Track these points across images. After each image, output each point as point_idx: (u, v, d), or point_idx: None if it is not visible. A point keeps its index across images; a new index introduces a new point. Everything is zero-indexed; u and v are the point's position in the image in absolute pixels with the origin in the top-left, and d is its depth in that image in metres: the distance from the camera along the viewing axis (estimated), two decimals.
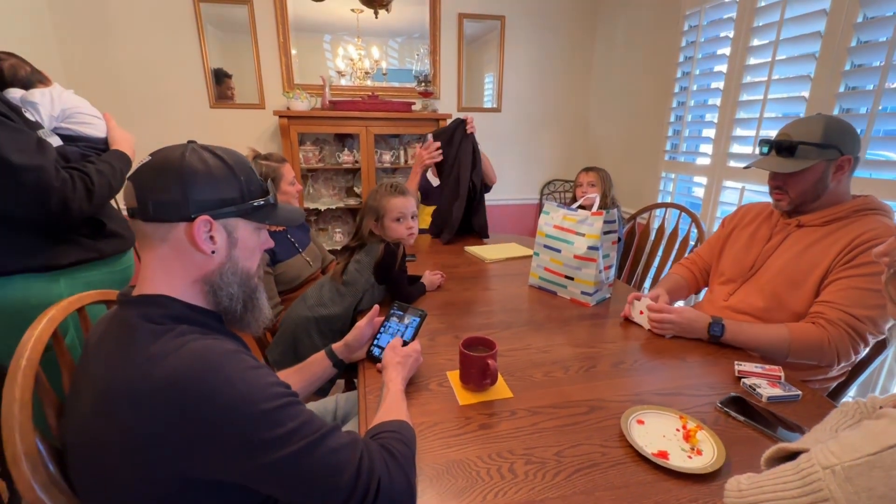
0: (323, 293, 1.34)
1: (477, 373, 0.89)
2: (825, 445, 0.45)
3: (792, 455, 0.59)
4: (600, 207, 1.36)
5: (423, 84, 2.77)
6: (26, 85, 1.14)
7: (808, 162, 1.07)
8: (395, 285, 1.35)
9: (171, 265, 0.63)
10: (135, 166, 0.63)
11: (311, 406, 1.13)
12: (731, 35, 1.98)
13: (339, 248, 2.39)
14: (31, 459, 0.58)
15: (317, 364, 1.01)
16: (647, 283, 2.10)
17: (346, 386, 1.64)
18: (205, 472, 0.53)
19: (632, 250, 2.18)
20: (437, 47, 2.89)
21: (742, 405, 0.86)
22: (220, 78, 2.68)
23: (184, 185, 0.60)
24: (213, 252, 0.63)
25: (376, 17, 1.99)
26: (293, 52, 2.70)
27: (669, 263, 2.00)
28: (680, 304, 1.41)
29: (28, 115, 1.09)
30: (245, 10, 2.58)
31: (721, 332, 1.08)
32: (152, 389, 0.52)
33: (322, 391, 1.22)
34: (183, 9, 2.50)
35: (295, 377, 0.99)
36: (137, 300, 0.62)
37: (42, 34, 2.31)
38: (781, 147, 1.11)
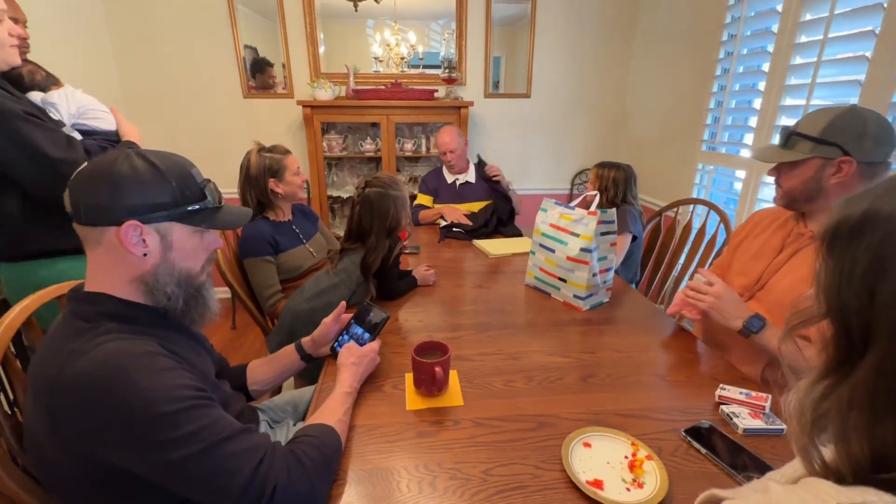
0: (319, 284, 1.36)
1: (426, 379, 0.88)
2: None
3: None
4: (599, 207, 1.27)
5: (447, 70, 2.71)
6: (43, 88, 1.25)
7: (798, 155, 0.94)
8: (384, 279, 1.35)
9: (108, 265, 0.66)
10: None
11: (288, 394, 1.17)
12: (780, 8, 1.75)
13: None
14: None
15: (287, 356, 1.05)
16: (668, 285, 1.95)
17: None
18: (115, 462, 0.57)
19: (655, 249, 2.03)
20: (464, 31, 2.80)
21: (711, 436, 0.79)
22: (261, 67, 2.78)
23: (111, 191, 0.63)
24: (145, 254, 0.66)
25: (377, 2, 1.91)
26: (320, 40, 2.73)
27: (693, 266, 1.85)
28: None
29: (52, 114, 1.21)
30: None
31: (759, 328, 0.95)
32: (64, 384, 0.56)
33: (314, 378, 1.25)
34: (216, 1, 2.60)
35: (266, 367, 1.04)
36: (79, 297, 0.66)
37: (96, 34, 2.50)
38: (783, 135, 0.99)
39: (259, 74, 2.78)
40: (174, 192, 0.67)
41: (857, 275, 0.34)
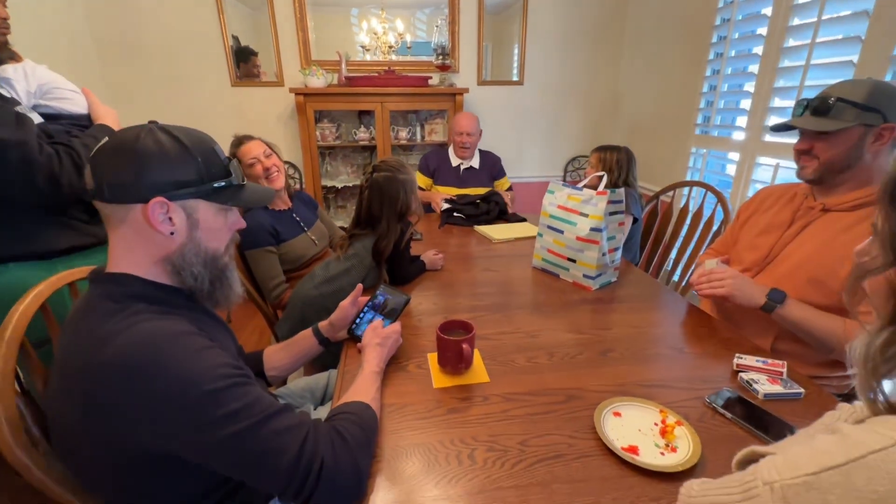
0: (329, 270, 1.34)
1: (452, 356, 0.88)
2: (773, 458, 0.41)
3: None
4: (606, 187, 1.28)
5: (440, 57, 2.69)
6: None
7: (844, 123, 0.93)
8: (396, 263, 1.34)
9: (133, 245, 0.64)
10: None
11: (303, 380, 1.16)
12: None
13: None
14: (12, 423, 0.63)
15: (304, 341, 1.03)
16: (667, 267, 1.99)
17: None
18: (155, 445, 0.56)
19: (653, 232, 2.07)
20: (457, 17, 2.78)
21: (734, 402, 0.81)
22: (245, 56, 2.71)
23: (137, 167, 0.60)
24: (172, 233, 0.64)
25: None
26: (311, 26, 2.67)
27: (691, 246, 1.88)
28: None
29: (3, 91, 1.04)
30: None
31: (782, 299, 0.98)
32: (101, 366, 0.54)
33: (332, 364, 1.24)
34: None
35: (282, 353, 1.02)
36: (102, 278, 0.64)
37: (72, 10, 2.39)
38: (817, 107, 0.97)
39: (243, 63, 2.71)
40: (200, 169, 0.65)
41: None
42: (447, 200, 2.09)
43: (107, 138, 0.63)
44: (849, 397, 1.05)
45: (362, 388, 0.78)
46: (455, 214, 2.04)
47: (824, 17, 1.57)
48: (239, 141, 1.59)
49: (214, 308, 0.75)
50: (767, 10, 1.82)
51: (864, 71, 1.44)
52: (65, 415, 0.59)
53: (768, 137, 1.85)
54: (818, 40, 1.60)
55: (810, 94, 1.63)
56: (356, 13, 2.72)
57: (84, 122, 1.18)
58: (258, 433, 0.56)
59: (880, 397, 0.39)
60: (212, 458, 0.56)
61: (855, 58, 1.47)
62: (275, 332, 1.50)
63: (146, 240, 0.64)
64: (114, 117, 1.22)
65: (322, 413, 1.00)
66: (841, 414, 0.57)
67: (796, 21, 1.71)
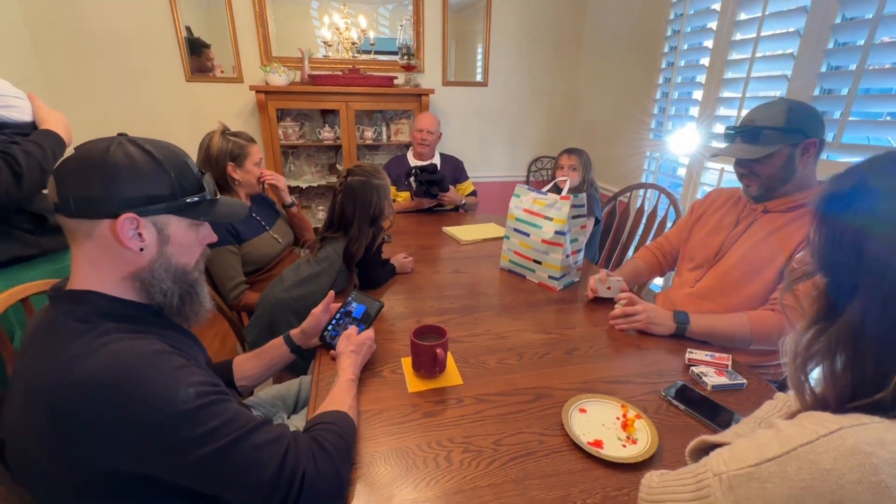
0: (299, 273, 1.32)
1: (427, 361, 0.90)
2: (721, 452, 0.47)
3: (714, 447, 0.61)
4: (580, 190, 1.35)
5: (406, 57, 2.69)
6: None
7: (773, 147, 1.06)
8: (367, 268, 1.34)
9: (99, 261, 0.62)
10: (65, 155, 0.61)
11: (275, 388, 1.15)
12: (719, 7, 1.91)
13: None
14: None
15: (275, 349, 1.02)
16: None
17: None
18: (129, 466, 0.55)
19: (611, 231, 2.17)
20: (421, 17, 2.78)
21: (686, 393, 0.88)
22: (197, 48, 2.59)
23: (106, 181, 0.59)
24: (141, 249, 0.63)
25: None
26: (271, 21, 2.59)
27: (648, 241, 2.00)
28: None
29: None
30: None
31: (687, 318, 1.08)
32: (73, 387, 0.52)
33: (302, 369, 1.23)
34: None
35: (253, 362, 1.01)
36: (65, 296, 0.62)
37: (4, 6, 2.21)
38: (746, 133, 1.10)
39: (194, 56, 2.59)
40: (172, 184, 0.64)
41: (848, 237, 0.41)
42: (413, 175, 2.15)
43: (73, 150, 0.61)
44: (783, 385, 1.17)
45: (339, 396, 0.79)
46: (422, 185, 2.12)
47: (763, 34, 1.70)
48: (252, 139, 1.57)
49: (184, 323, 0.74)
50: (713, 25, 1.95)
51: (795, 83, 1.58)
52: (28, 436, 0.56)
53: (714, 143, 1.99)
54: (758, 55, 1.73)
55: (751, 105, 1.78)
56: (316, 6, 2.66)
57: (28, 131, 1.10)
58: (239, 449, 0.56)
59: (807, 390, 0.45)
60: (192, 476, 0.55)
61: (788, 72, 1.61)
62: (241, 337, 1.47)
63: (113, 256, 0.62)
64: (62, 122, 1.15)
65: (296, 421, 1.01)
66: (776, 404, 0.64)
67: (738, 36, 1.84)
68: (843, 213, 0.42)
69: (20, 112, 1.09)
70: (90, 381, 0.52)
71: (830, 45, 1.48)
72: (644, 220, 2.02)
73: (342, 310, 1.06)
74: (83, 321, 0.59)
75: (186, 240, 0.68)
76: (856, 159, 1.42)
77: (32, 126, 1.12)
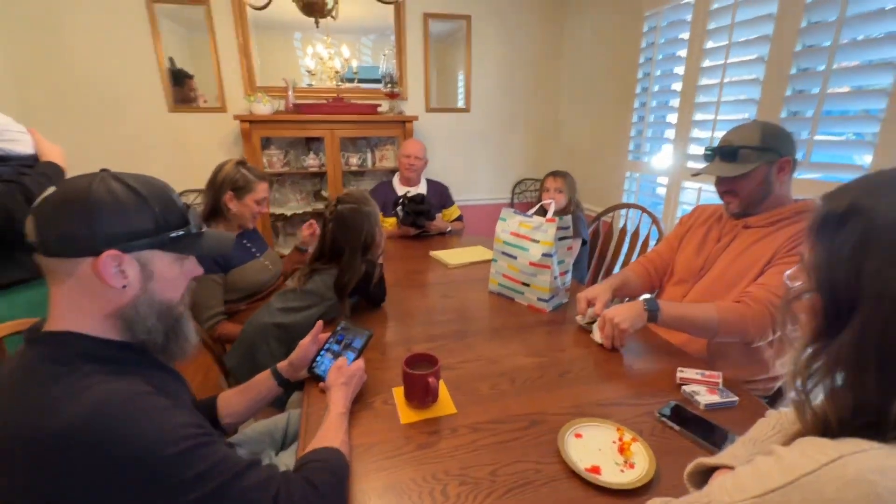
0: (287, 302, 1.30)
1: (419, 391, 0.89)
2: (723, 480, 0.46)
3: (713, 469, 0.61)
4: (566, 212, 1.37)
5: (389, 85, 2.74)
6: None
7: (750, 165, 1.10)
8: (373, 294, 1.35)
9: (80, 301, 0.60)
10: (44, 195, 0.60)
11: (263, 423, 1.11)
12: (688, 37, 2.01)
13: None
14: None
15: (262, 383, 0.99)
16: None
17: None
18: None
19: (596, 251, 2.20)
20: (404, 47, 2.85)
21: (680, 414, 0.88)
22: (179, 79, 2.60)
23: (88, 218, 0.57)
24: (124, 286, 0.61)
25: (317, 27, 1.92)
26: (254, 52, 2.63)
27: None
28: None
29: None
30: (202, 10, 2.49)
31: (656, 305, 1.09)
32: (54, 437, 0.50)
33: (280, 402, 1.20)
34: (135, 6, 2.41)
35: (239, 397, 0.97)
36: (42, 338, 0.59)
37: None
38: (724, 153, 1.14)
39: (177, 87, 2.60)
40: (157, 219, 0.63)
41: (845, 255, 0.42)
42: (400, 203, 2.15)
43: (53, 188, 0.60)
44: (773, 399, 1.18)
45: (330, 431, 0.77)
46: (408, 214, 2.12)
47: (730, 61, 1.79)
48: (264, 177, 1.58)
49: (168, 361, 0.72)
50: (682, 52, 2.05)
51: (763, 106, 1.66)
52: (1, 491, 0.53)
53: (690, 164, 2.06)
54: (726, 80, 1.82)
55: (723, 127, 1.85)
56: (300, 37, 2.71)
57: (30, 163, 1.21)
58: (228, 493, 0.54)
59: (807, 410, 0.46)
60: None
61: (756, 96, 1.69)
62: (222, 364, 1.43)
63: (95, 294, 0.60)
64: (60, 154, 1.26)
65: (285, 458, 0.97)
66: (770, 422, 0.64)
67: (707, 62, 1.94)
68: (839, 232, 0.43)
69: (23, 145, 1.20)
70: (73, 429, 0.50)
71: (793, 71, 1.56)
72: (627, 239, 2.06)
73: (331, 340, 1.04)
74: (63, 363, 0.56)
75: (171, 274, 0.67)
76: (825, 176, 1.49)
77: (34, 158, 1.22)
